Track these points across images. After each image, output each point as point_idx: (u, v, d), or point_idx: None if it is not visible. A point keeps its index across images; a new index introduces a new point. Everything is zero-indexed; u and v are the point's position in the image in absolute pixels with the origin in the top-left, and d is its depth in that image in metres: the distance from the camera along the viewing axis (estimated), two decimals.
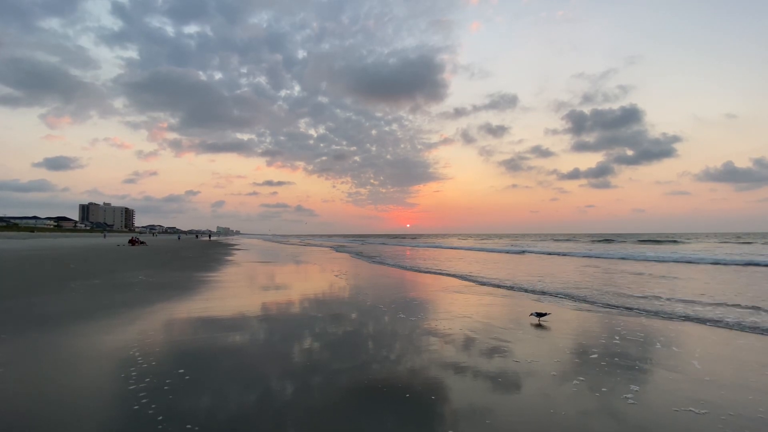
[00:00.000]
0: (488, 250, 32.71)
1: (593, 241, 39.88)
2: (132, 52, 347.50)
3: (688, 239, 50.39)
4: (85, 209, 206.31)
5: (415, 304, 8.18)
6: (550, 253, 26.36)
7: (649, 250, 27.81)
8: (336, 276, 13.86)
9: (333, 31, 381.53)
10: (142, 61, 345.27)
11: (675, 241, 43.54)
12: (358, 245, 48.69)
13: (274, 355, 4.74)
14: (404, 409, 3.29)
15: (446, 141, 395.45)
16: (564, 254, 24.77)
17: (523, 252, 28.47)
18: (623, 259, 20.90)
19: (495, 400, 3.47)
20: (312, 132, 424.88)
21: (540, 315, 6.62)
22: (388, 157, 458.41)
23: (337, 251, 33.85)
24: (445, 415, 3.19)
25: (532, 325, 6.39)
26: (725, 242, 42.05)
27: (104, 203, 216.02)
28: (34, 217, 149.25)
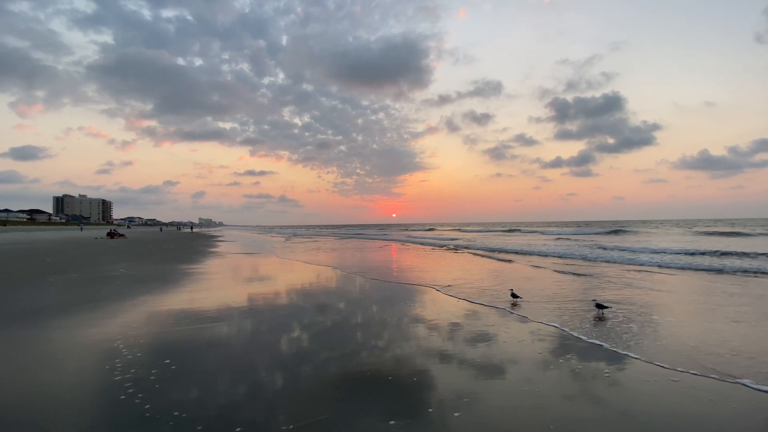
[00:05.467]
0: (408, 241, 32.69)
1: (557, 238, 33.62)
2: (107, 37, 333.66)
3: (656, 228, 50.88)
4: (60, 201, 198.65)
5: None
6: (459, 247, 24.08)
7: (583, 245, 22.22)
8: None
9: (318, 17, 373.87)
10: (117, 46, 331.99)
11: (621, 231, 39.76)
12: (290, 236, 49.54)
13: (258, 344, 4.82)
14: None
15: (432, 130, 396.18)
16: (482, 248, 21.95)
17: (443, 246, 25.58)
18: (543, 255, 17.14)
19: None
20: (296, 121, 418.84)
21: (515, 296, 7.22)
22: (375, 146, 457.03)
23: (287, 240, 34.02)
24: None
25: (510, 304, 7.00)
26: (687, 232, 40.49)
27: (80, 195, 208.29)
28: (6, 210, 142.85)
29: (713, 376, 3.71)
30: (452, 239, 33.43)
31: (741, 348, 4.54)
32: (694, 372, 3.81)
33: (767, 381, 3.56)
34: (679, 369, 3.89)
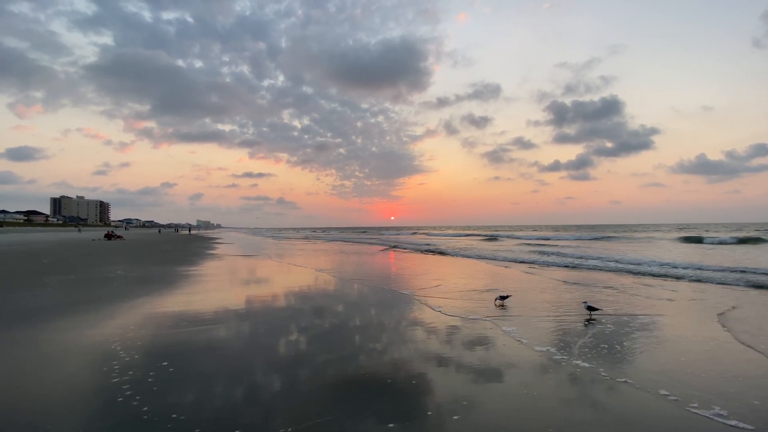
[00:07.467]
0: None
1: (523, 244, 31.47)
2: (107, 38, 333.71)
3: (655, 231, 50.72)
4: (57, 202, 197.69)
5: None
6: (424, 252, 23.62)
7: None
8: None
9: (318, 19, 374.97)
10: (117, 48, 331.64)
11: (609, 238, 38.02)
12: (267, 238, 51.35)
13: (256, 346, 4.80)
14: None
15: (430, 133, 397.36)
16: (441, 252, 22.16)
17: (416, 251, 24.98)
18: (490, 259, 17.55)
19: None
20: (296, 123, 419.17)
21: (503, 297, 7.22)
22: (374, 149, 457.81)
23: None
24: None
25: (496, 306, 7.03)
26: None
27: (77, 196, 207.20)
28: (3, 211, 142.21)
29: (691, 405, 3.33)
30: (427, 244, 32.83)
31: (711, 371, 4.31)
32: (673, 397, 3.64)
33: (737, 415, 3.05)
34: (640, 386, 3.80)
